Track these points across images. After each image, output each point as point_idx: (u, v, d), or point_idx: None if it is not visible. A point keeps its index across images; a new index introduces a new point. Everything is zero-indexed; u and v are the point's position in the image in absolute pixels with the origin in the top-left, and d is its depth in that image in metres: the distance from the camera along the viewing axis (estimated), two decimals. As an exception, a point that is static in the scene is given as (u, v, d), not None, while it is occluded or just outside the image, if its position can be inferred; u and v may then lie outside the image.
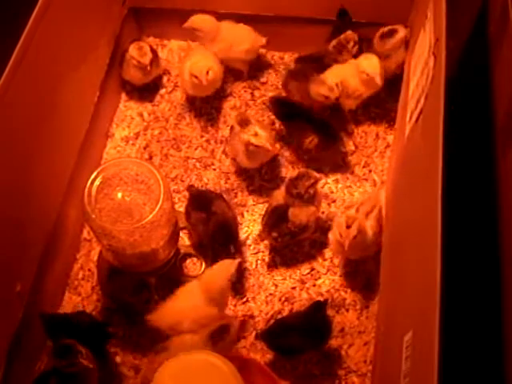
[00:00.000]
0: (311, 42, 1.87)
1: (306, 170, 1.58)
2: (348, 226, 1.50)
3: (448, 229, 1.05)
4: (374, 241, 1.54)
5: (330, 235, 1.60)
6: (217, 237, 1.57)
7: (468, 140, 1.50)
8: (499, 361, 1.20)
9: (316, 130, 1.72)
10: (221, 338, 1.39)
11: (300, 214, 1.56)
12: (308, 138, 1.72)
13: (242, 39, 1.84)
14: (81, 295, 1.64)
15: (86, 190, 1.34)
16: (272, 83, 1.94)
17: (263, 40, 1.86)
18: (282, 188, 1.59)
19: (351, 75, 1.73)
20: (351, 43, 1.78)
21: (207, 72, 1.75)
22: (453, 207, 1.11)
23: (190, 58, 1.81)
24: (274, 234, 1.59)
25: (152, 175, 1.37)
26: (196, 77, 1.75)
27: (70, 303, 1.62)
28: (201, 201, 1.61)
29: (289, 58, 1.98)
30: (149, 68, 1.82)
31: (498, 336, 1.23)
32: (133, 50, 1.82)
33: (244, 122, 1.66)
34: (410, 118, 1.43)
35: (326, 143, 1.73)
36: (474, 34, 1.73)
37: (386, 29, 1.74)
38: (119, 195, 1.36)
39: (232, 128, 1.72)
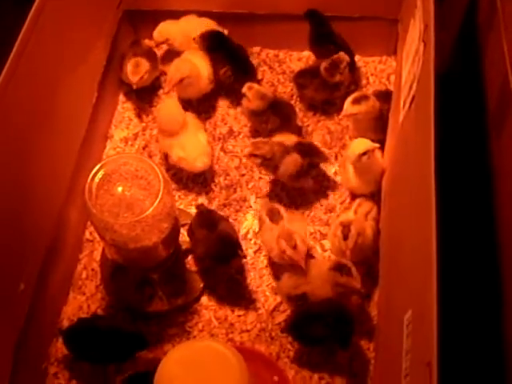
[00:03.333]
0: (305, 38, 1.89)
1: None
2: (345, 237, 1.51)
3: (442, 211, 1.07)
4: (375, 241, 1.56)
5: (328, 241, 1.63)
6: (218, 251, 1.54)
7: (461, 126, 1.52)
8: (497, 334, 1.21)
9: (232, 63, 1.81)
10: None
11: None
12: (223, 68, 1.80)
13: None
14: (85, 294, 1.65)
15: (87, 186, 1.36)
16: (268, 80, 1.95)
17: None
18: None
19: None
20: (344, 63, 1.77)
21: (181, 79, 1.77)
22: (447, 190, 1.13)
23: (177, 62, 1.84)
24: None
25: (152, 170, 1.39)
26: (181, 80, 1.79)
27: (75, 303, 1.64)
28: (207, 219, 1.59)
29: (283, 55, 2.00)
30: (135, 86, 1.84)
31: (497, 311, 1.24)
32: (129, 66, 1.84)
33: (274, 215, 1.59)
34: (404, 105, 1.44)
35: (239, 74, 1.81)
36: (463, 26, 1.75)
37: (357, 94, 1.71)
38: (119, 190, 1.37)
39: (261, 219, 1.62)
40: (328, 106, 1.88)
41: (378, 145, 1.60)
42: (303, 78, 1.85)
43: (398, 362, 1.12)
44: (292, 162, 1.64)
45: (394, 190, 1.48)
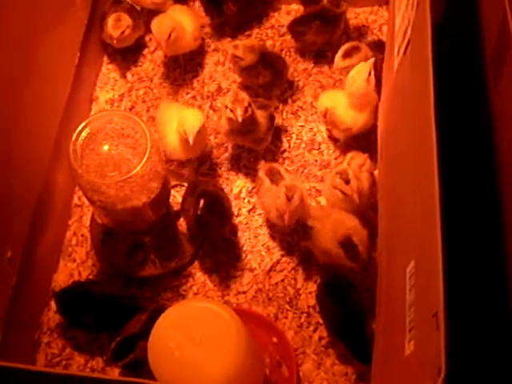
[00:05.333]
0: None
1: None
2: (347, 182, 1.47)
3: (444, 157, 1.02)
4: (371, 192, 1.51)
5: (324, 197, 1.58)
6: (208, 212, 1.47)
7: (458, 75, 1.47)
8: (503, 283, 1.18)
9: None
10: None
11: None
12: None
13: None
14: (76, 261, 1.61)
15: (71, 146, 1.31)
16: (256, 36, 1.89)
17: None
18: None
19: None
20: None
21: (169, 35, 1.69)
22: (446, 135, 1.08)
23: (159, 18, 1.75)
24: None
25: (139, 128, 1.34)
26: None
27: (66, 270, 1.60)
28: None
29: (272, 11, 1.93)
30: (116, 42, 1.78)
31: (502, 261, 1.21)
32: (111, 21, 1.77)
33: (273, 175, 1.54)
34: (398, 51, 1.39)
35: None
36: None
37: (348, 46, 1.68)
38: (106, 149, 1.33)
39: (259, 179, 1.57)
40: (321, 58, 1.84)
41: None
42: (301, 25, 1.78)
43: (401, 315, 1.09)
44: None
45: (392, 139, 1.43)
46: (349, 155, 1.58)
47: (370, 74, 1.55)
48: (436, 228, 0.95)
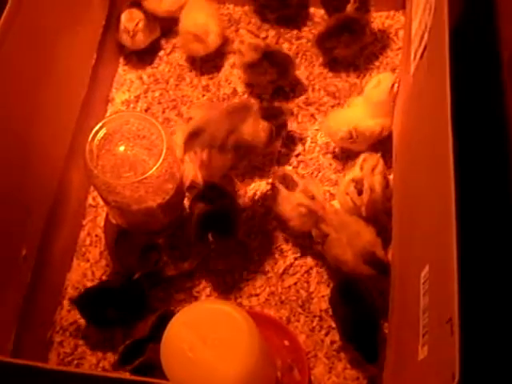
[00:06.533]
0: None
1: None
2: (359, 192, 1.48)
3: (460, 161, 1.02)
4: (384, 196, 1.51)
5: (336, 202, 1.58)
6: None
7: (475, 77, 1.46)
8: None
9: None
10: None
11: None
12: None
13: None
14: (89, 261, 1.61)
15: (88, 146, 1.31)
16: (271, 40, 1.89)
17: None
18: None
19: None
20: None
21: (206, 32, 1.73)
22: (463, 138, 1.08)
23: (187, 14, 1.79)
24: None
25: (155, 129, 1.34)
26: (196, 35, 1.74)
27: (79, 269, 1.60)
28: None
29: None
30: (131, 33, 1.79)
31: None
32: (124, 15, 1.80)
33: (288, 182, 1.53)
34: (415, 56, 1.39)
35: None
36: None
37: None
38: (121, 150, 1.33)
39: (274, 188, 1.56)
40: (337, 62, 1.84)
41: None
42: (329, 41, 1.77)
43: (415, 320, 1.09)
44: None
45: (407, 144, 1.43)
46: (361, 157, 1.57)
47: (393, 86, 1.57)
48: (451, 233, 0.95)
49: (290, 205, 1.49)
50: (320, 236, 1.47)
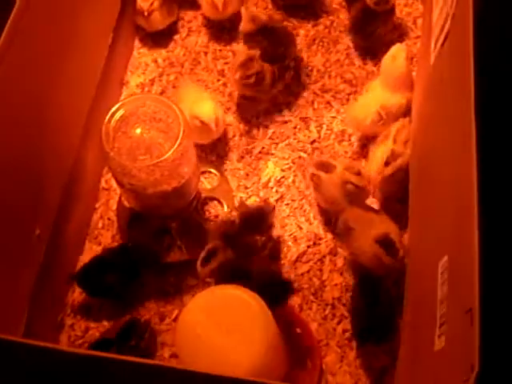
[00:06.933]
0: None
1: None
2: (386, 163, 1.48)
3: (482, 150, 1.01)
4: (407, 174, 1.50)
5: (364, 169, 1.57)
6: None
7: (498, 65, 1.45)
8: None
9: None
10: None
11: None
12: None
13: None
14: (101, 244, 1.61)
15: (104, 128, 1.31)
16: (287, 24, 1.87)
17: None
18: None
19: None
20: None
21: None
22: (486, 128, 1.07)
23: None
24: None
25: (172, 112, 1.33)
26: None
27: (91, 252, 1.59)
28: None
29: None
30: (146, 13, 1.78)
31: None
32: None
33: (325, 166, 1.52)
34: (435, 45, 1.38)
35: None
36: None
37: None
38: (138, 133, 1.32)
39: (314, 177, 1.53)
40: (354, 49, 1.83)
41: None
42: (368, 25, 1.77)
43: (431, 310, 1.08)
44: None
45: (425, 132, 1.42)
46: (394, 128, 1.54)
47: (407, 57, 1.59)
48: (473, 223, 0.94)
49: (335, 186, 1.48)
50: (344, 229, 1.45)
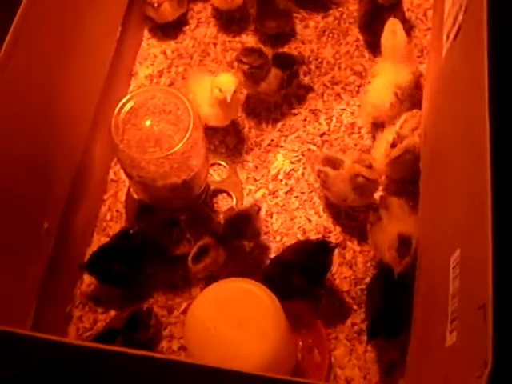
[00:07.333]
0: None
1: None
2: (393, 145, 1.47)
3: (496, 142, 1.00)
4: (416, 159, 1.49)
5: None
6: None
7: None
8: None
9: None
10: None
11: None
12: None
13: None
14: (109, 236, 1.60)
15: (113, 120, 1.30)
16: (296, 15, 1.86)
17: None
18: None
19: None
20: None
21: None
22: (499, 121, 1.05)
23: None
24: None
25: (181, 104, 1.33)
26: None
27: (99, 244, 1.58)
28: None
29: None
30: (156, 5, 1.77)
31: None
32: None
33: (332, 162, 1.51)
34: (447, 37, 1.37)
35: None
36: None
37: None
38: (147, 125, 1.32)
39: (321, 173, 1.53)
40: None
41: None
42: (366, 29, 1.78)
43: (442, 305, 1.07)
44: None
45: (437, 125, 1.41)
46: (402, 117, 1.54)
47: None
48: (487, 216, 0.93)
49: (344, 182, 1.47)
50: (375, 217, 1.45)
